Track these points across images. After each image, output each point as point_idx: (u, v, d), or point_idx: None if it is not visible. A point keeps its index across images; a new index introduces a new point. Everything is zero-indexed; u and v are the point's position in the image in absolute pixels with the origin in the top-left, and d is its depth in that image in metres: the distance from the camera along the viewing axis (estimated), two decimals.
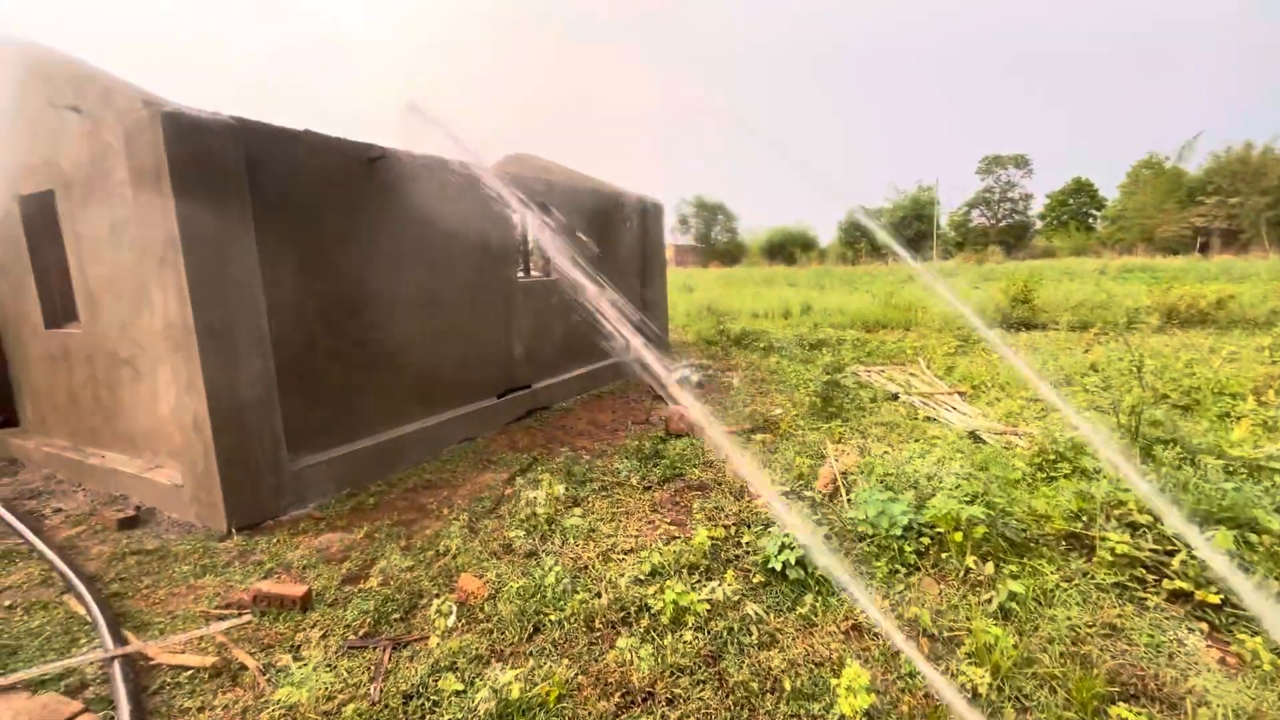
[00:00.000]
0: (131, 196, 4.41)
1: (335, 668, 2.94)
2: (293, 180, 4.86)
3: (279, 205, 4.76)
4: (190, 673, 2.95)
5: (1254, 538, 3.41)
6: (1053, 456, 4.90)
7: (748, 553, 3.89)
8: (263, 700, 2.74)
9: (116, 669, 2.87)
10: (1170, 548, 3.47)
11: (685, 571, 3.67)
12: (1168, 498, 3.82)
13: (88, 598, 3.52)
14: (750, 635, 3.08)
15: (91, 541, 4.45)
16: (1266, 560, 3.27)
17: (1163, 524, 3.61)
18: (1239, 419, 5.85)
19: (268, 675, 2.92)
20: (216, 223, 4.30)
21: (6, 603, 3.66)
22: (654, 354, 4.93)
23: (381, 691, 2.76)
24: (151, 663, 3.04)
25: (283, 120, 4.80)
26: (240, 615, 3.41)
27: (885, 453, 5.54)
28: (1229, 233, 38.99)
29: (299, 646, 3.14)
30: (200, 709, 2.72)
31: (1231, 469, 4.46)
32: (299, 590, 3.49)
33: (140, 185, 4.28)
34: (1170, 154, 46.25)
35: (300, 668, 2.94)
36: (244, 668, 2.97)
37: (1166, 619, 3.12)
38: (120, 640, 3.16)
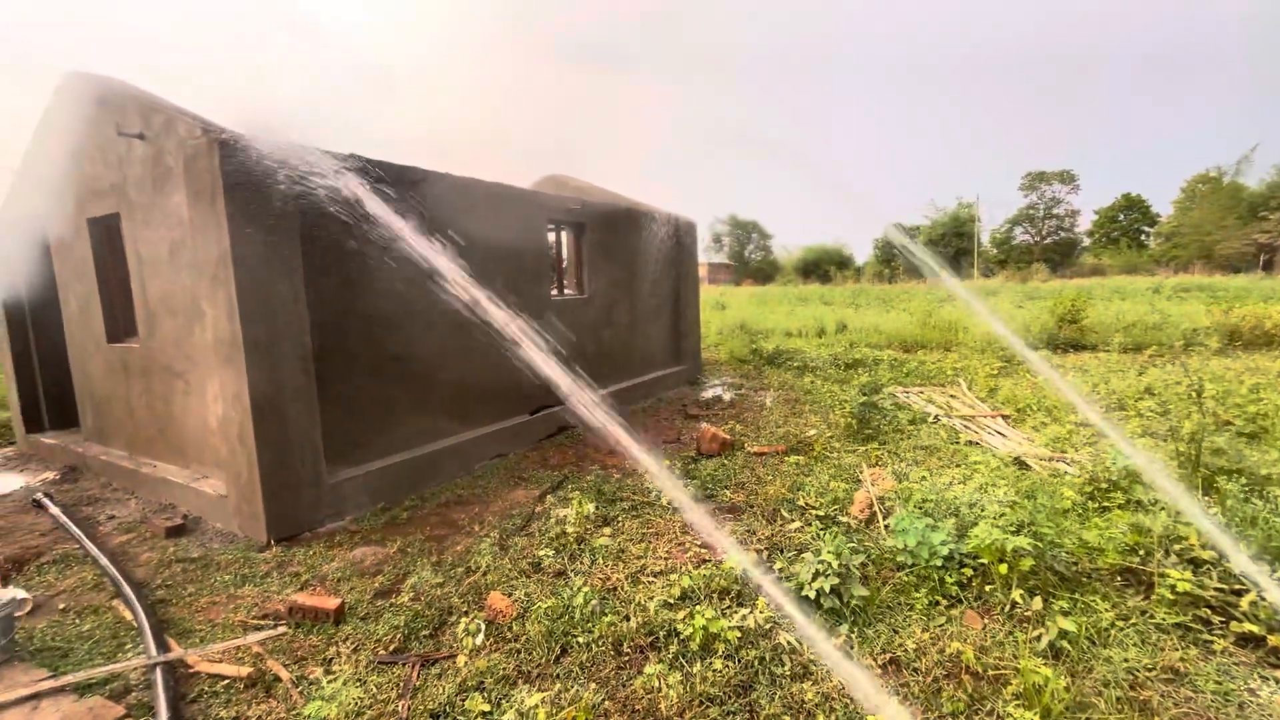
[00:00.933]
0: (188, 218, 4.64)
1: (365, 683, 2.96)
2: (337, 201, 5.03)
3: (323, 225, 4.94)
4: (227, 682, 3.01)
5: None
6: (1105, 485, 4.66)
7: (781, 579, 3.78)
8: (295, 713, 2.78)
9: (158, 676, 2.95)
10: (1239, 587, 3.24)
11: (716, 596, 3.60)
12: (1233, 533, 3.58)
13: (135, 604, 3.64)
14: (783, 666, 2.98)
15: (141, 548, 4.63)
16: None
17: (1229, 561, 3.38)
18: None
19: (300, 688, 2.95)
20: (265, 243, 4.49)
21: (61, 605, 3.82)
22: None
23: (409, 710, 2.77)
24: (191, 670, 3.11)
25: (326, 144, 5.00)
26: (276, 626, 3.47)
27: (924, 478, 5.35)
28: None
29: (330, 660, 3.18)
30: (235, 719, 2.77)
31: None
32: (332, 603, 3.54)
33: (197, 207, 4.50)
34: (1228, 168, 44.28)
35: (331, 682, 2.97)
36: (278, 679, 3.01)
37: (1235, 665, 2.90)
38: (163, 647, 3.25)
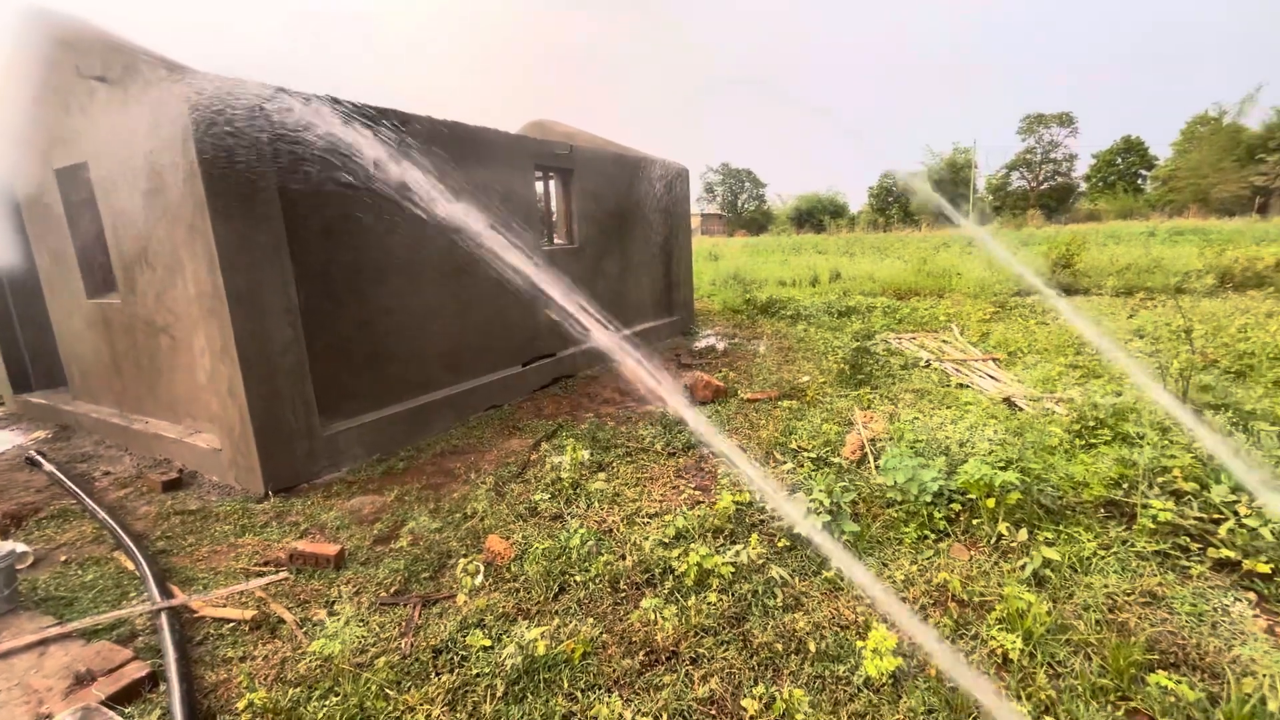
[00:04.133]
0: (160, 165, 4.46)
1: (367, 622, 3.03)
2: (314, 145, 4.84)
3: (301, 171, 4.77)
4: (232, 625, 3.07)
5: None
6: (1092, 423, 4.73)
7: (772, 518, 3.86)
8: (300, 651, 2.84)
9: (164, 620, 3.00)
10: (1217, 516, 3.33)
11: (709, 535, 3.67)
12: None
13: (136, 554, 3.68)
14: (775, 598, 3.06)
15: (139, 502, 4.65)
16: None
17: (1209, 491, 3.46)
18: None
19: (304, 628, 3.02)
20: (242, 189, 4.33)
21: (62, 558, 3.85)
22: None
23: (412, 645, 2.84)
24: (196, 615, 3.17)
25: (303, 87, 4.77)
26: (278, 572, 3.52)
27: (916, 419, 5.41)
28: None
29: (333, 602, 3.24)
30: (242, 658, 2.84)
31: None
32: (333, 549, 3.59)
33: (168, 154, 4.32)
34: (1230, 107, 43.26)
35: (334, 622, 3.04)
36: (282, 621, 3.08)
37: (1211, 588, 3.00)
38: (166, 594, 3.30)
